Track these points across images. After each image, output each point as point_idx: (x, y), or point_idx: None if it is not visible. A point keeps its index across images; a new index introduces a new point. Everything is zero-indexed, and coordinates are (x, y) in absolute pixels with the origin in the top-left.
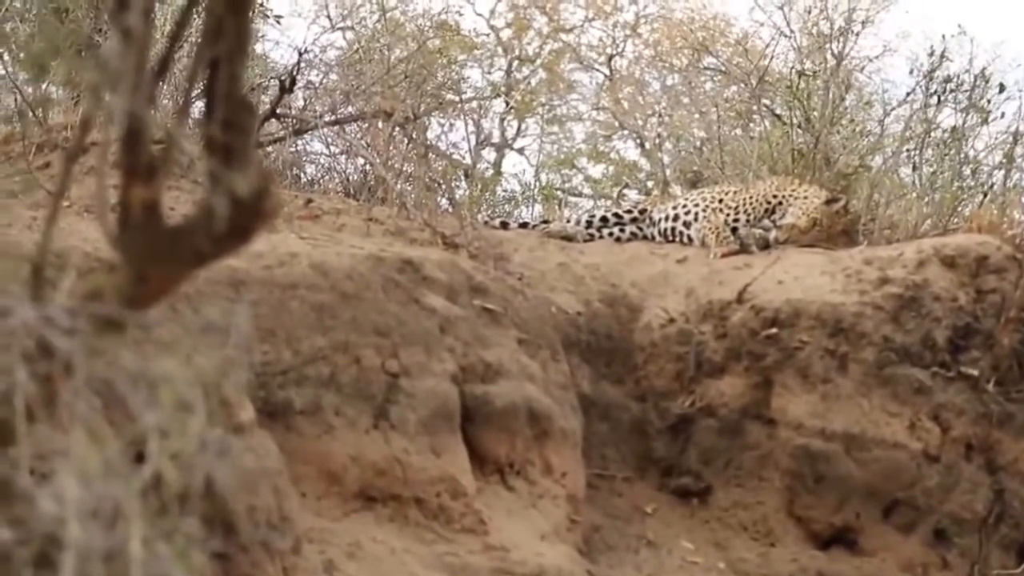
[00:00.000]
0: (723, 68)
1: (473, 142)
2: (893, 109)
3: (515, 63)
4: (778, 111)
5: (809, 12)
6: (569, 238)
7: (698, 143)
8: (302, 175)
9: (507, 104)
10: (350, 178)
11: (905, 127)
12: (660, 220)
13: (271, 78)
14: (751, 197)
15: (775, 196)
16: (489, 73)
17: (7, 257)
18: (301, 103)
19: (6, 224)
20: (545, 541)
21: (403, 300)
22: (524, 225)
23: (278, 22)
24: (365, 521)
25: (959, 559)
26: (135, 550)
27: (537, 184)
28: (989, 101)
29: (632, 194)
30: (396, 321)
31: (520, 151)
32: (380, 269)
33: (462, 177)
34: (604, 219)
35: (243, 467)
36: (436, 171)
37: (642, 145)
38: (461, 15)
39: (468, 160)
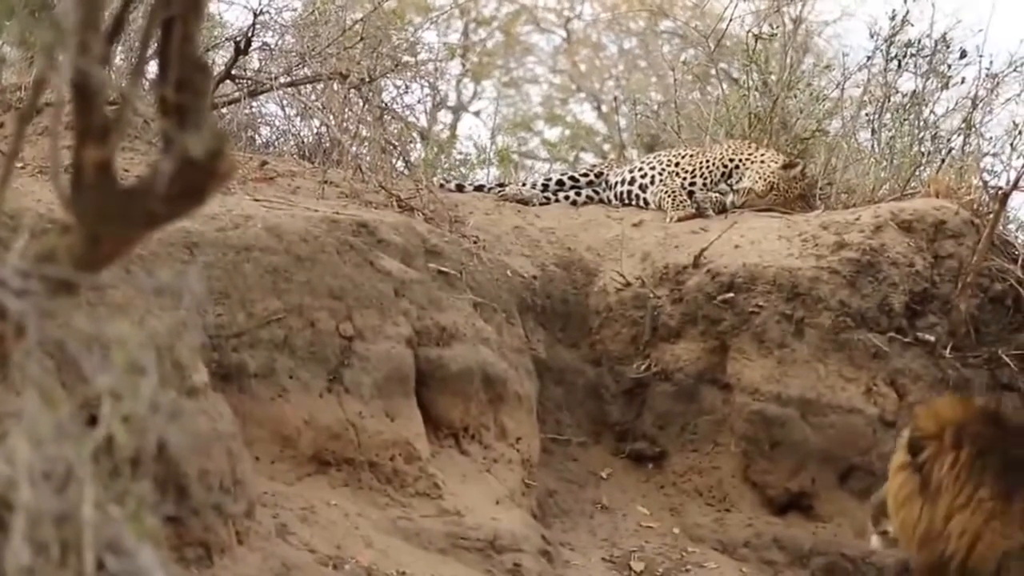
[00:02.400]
0: (680, 31)
1: (429, 105)
2: (852, 73)
3: (471, 25)
4: (735, 75)
5: None
6: (525, 201)
7: (655, 106)
8: (257, 137)
9: (463, 66)
10: (305, 140)
11: (864, 91)
12: (616, 184)
13: (226, 39)
14: (708, 161)
15: (732, 160)
16: (445, 35)
17: None
18: (256, 64)
19: None
20: (500, 505)
21: (358, 263)
22: (480, 188)
23: None
24: (319, 485)
25: None
26: (87, 513)
27: (493, 147)
28: (949, 66)
29: (588, 157)
30: (351, 284)
31: (476, 114)
32: (335, 232)
33: (418, 140)
34: (560, 182)
35: (196, 430)
36: (392, 134)
37: (599, 108)
38: None
39: (424, 123)
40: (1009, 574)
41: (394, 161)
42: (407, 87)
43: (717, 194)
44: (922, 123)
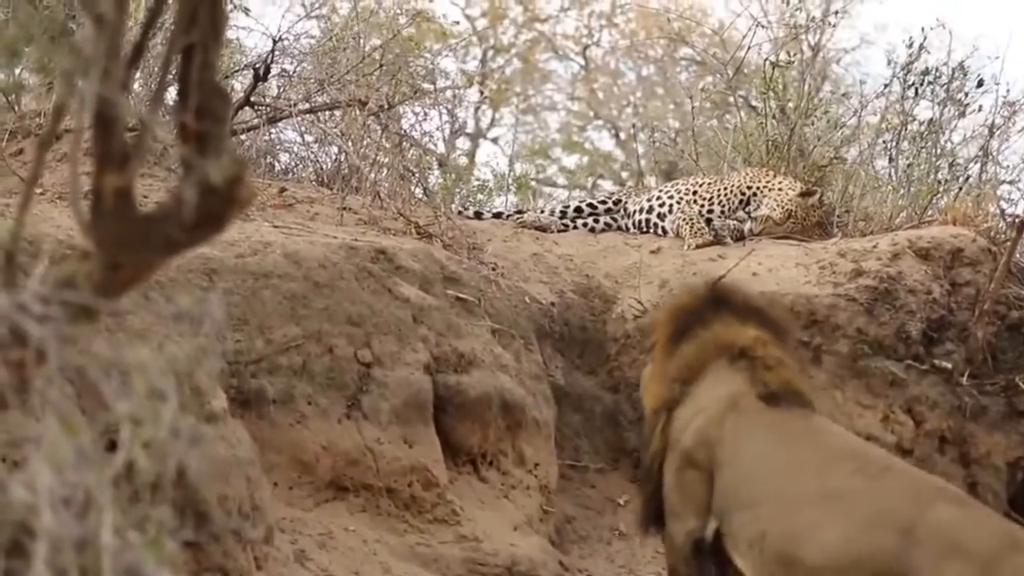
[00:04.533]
0: (699, 59)
1: (447, 131)
2: (870, 101)
3: (490, 52)
4: (754, 102)
5: (786, 3)
6: (543, 228)
7: (673, 134)
8: (276, 163)
9: (482, 94)
10: (324, 167)
11: (881, 119)
12: (634, 211)
13: (245, 66)
14: (726, 188)
15: (749, 187)
16: (464, 63)
17: None
18: (275, 91)
19: None
20: (517, 532)
21: (376, 289)
22: (498, 215)
23: (246, 13)
24: (337, 511)
25: None
26: (107, 539)
27: (511, 174)
28: (967, 94)
29: (606, 184)
30: (369, 310)
31: (494, 141)
32: (353, 258)
33: (436, 167)
34: (578, 209)
35: (215, 456)
36: (410, 160)
37: (617, 136)
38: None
39: (442, 149)
40: (660, 416)
41: (413, 188)
42: (425, 114)
43: (735, 221)
44: (939, 151)
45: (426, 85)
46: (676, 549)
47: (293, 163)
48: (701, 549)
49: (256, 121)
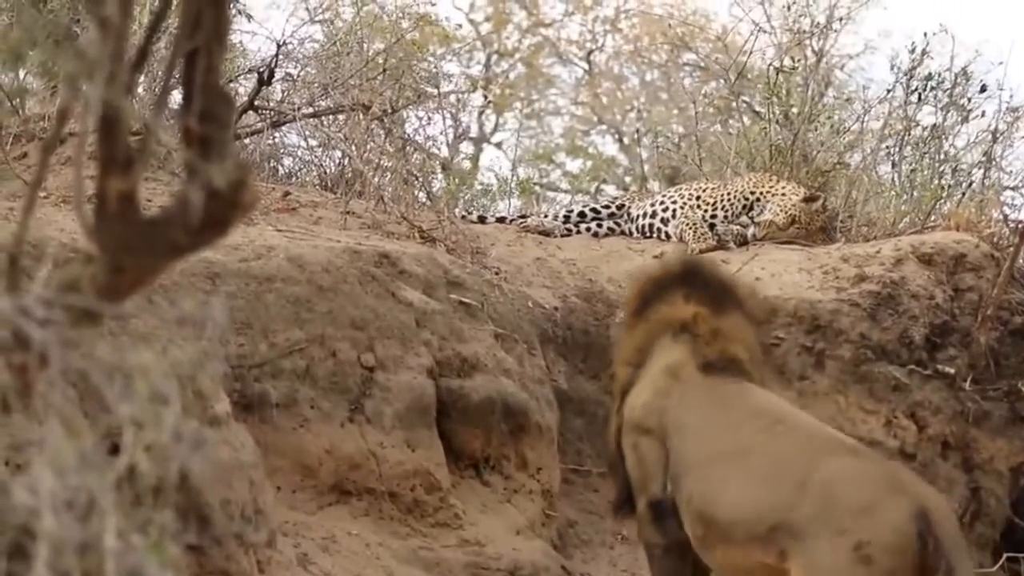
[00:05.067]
0: (702, 64)
1: (451, 136)
2: (873, 106)
3: (494, 57)
4: (757, 107)
5: (789, 8)
6: (546, 233)
7: (676, 139)
8: (279, 167)
9: (485, 98)
10: (327, 171)
11: (884, 124)
12: (638, 216)
13: (249, 70)
14: (729, 194)
15: (753, 193)
16: (468, 67)
17: None
18: (279, 95)
19: None
20: (520, 536)
21: (380, 293)
22: (502, 219)
23: (249, 19)
24: (340, 515)
25: None
26: (109, 542)
27: (515, 178)
28: (970, 99)
29: (610, 189)
30: (372, 314)
31: (498, 145)
32: (357, 262)
33: (440, 171)
34: (582, 214)
35: (218, 460)
36: (414, 164)
37: (620, 140)
38: (434, 4)
39: (446, 154)
40: (616, 399)
41: (416, 192)
42: (429, 118)
43: (738, 227)
44: (942, 156)
45: (430, 89)
46: (643, 518)
47: (297, 167)
48: (662, 512)
49: (260, 125)
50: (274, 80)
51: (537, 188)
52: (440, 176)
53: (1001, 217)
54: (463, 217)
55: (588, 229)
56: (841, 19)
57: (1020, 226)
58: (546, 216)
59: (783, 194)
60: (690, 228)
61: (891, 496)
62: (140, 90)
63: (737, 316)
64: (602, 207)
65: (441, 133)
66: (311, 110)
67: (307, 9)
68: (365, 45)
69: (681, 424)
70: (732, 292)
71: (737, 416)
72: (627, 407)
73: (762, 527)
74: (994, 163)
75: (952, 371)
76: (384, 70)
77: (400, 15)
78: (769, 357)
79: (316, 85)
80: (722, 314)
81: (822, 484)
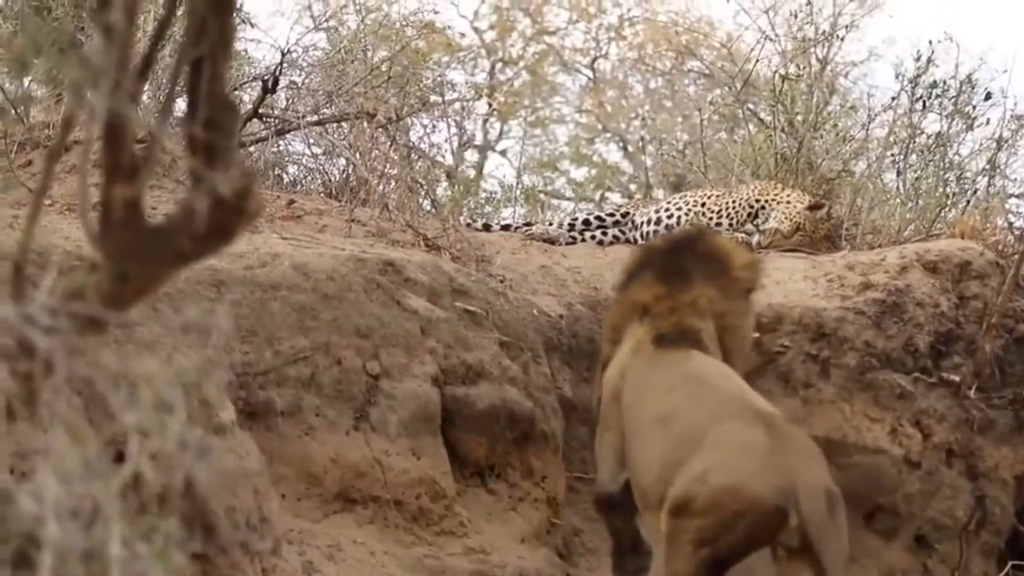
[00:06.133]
0: (707, 71)
1: (455, 144)
2: (877, 114)
3: (498, 65)
4: (762, 115)
5: (795, 16)
6: (551, 241)
7: (681, 146)
8: (284, 175)
9: (490, 106)
10: (332, 179)
11: (889, 132)
12: (642, 224)
13: (253, 78)
14: (734, 201)
15: (758, 200)
16: (472, 75)
17: None
18: (283, 103)
19: None
20: (525, 544)
21: (384, 301)
22: (506, 227)
23: (254, 25)
24: (345, 523)
25: (940, 565)
26: (114, 550)
27: (519, 186)
28: (974, 107)
29: (614, 197)
30: (377, 322)
31: (503, 153)
32: (362, 270)
33: (444, 179)
34: (586, 222)
35: (223, 468)
36: (418, 172)
37: (625, 148)
38: (437, 12)
39: (450, 162)
40: (602, 357)
41: (421, 200)
42: (434, 126)
43: (743, 234)
44: (947, 164)
45: (434, 97)
46: (596, 508)
47: (301, 175)
48: (607, 504)
49: (264, 133)
50: (278, 88)
51: (542, 196)
52: (445, 184)
53: (1006, 225)
54: (468, 225)
55: (593, 237)
56: (846, 27)
57: None
58: (551, 224)
59: (788, 202)
60: None
61: (761, 467)
62: (145, 98)
63: (710, 288)
64: (607, 215)
65: (446, 141)
66: (315, 118)
67: (311, 17)
68: (369, 53)
69: (629, 397)
70: (713, 264)
71: (670, 383)
72: (603, 384)
73: (661, 488)
74: (999, 171)
75: (957, 379)
76: (388, 78)
77: (404, 23)
78: (771, 359)
79: (320, 93)
80: (689, 289)
81: (708, 446)
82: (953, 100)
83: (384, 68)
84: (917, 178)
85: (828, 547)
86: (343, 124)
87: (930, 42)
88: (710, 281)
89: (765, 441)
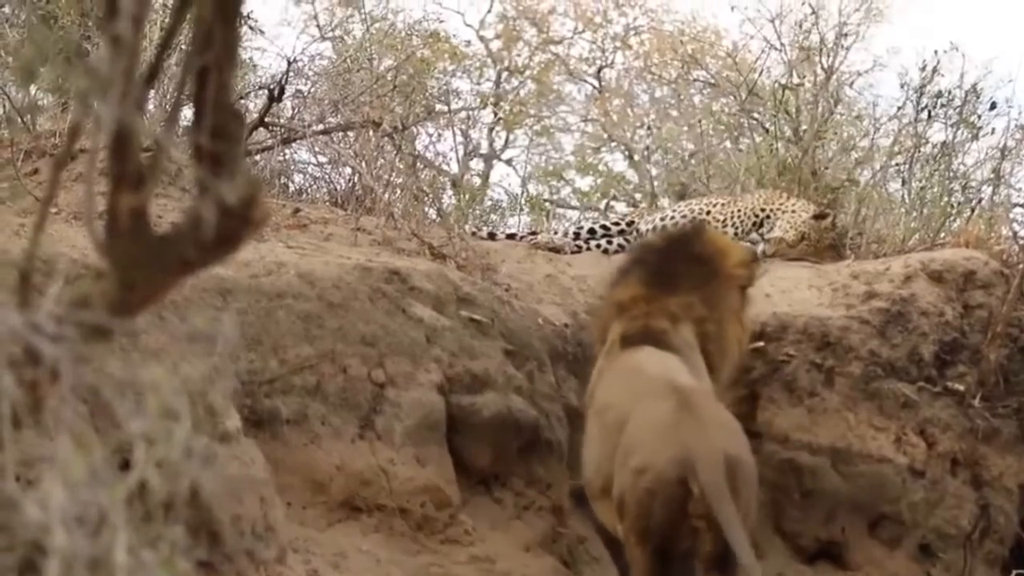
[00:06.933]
0: (712, 81)
1: (461, 153)
2: (883, 124)
3: (504, 74)
4: (767, 124)
5: (800, 26)
6: (557, 250)
7: (686, 155)
8: (290, 184)
9: (496, 115)
10: (338, 188)
11: (894, 141)
12: (647, 232)
13: (259, 87)
14: (739, 210)
15: (763, 210)
16: (478, 84)
17: None
18: (289, 112)
19: None
20: (530, 552)
21: (390, 310)
22: (512, 236)
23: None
24: (350, 531)
25: (944, 574)
26: (120, 558)
27: (525, 195)
28: (979, 117)
29: (620, 206)
30: (383, 331)
31: (508, 162)
32: (367, 279)
33: (450, 187)
34: (592, 231)
35: (229, 476)
36: (424, 181)
37: (630, 157)
38: (442, 22)
39: (456, 170)
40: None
41: (426, 209)
42: (439, 135)
43: (748, 243)
44: (952, 173)
45: (440, 106)
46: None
47: (307, 184)
48: (578, 499)
49: (270, 142)
50: (285, 97)
51: (547, 205)
52: (450, 193)
53: (1011, 234)
54: (473, 234)
55: (598, 246)
56: (850, 36)
57: None
58: (556, 233)
59: (793, 211)
60: None
61: (663, 441)
62: (151, 107)
63: (694, 295)
64: (612, 224)
65: (451, 150)
66: (321, 127)
67: (317, 26)
68: (375, 62)
69: (599, 397)
70: (704, 266)
71: (620, 378)
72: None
73: (600, 478)
74: (1003, 180)
75: (962, 388)
76: (394, 87)
77: (410, 32)
78: (776, 368)
79: (326, 102)
80: (671, 294)
81: (627, 429)
82: (958, 110)
83: (390, 77)
84: (922, 187)
85: (726, 511)
86: (349, 133)
87: (935, 52)
88: (697, 287)
89: (670, 415)
